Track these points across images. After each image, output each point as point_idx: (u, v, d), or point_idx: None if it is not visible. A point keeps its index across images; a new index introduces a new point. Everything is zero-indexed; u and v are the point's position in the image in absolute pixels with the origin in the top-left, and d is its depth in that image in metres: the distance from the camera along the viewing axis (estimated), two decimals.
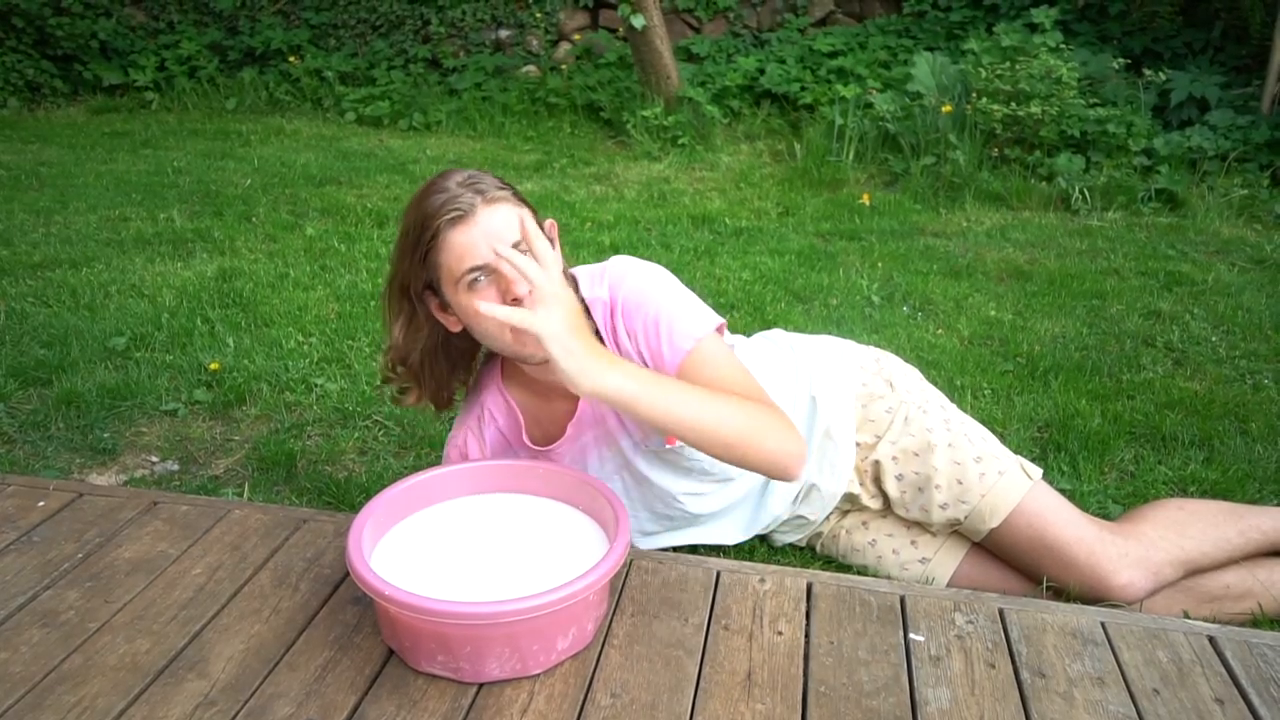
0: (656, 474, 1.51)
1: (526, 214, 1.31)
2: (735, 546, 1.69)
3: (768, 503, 1.61)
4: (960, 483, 1.56)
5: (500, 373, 1.51)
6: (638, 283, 1.39)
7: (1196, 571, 1.55)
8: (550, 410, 1.49)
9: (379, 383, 1.51)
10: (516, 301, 1.26)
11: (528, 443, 1.51)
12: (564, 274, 1.42)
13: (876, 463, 1.61)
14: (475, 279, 1.27)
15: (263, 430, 2.23)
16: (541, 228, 1.34)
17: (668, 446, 1.46)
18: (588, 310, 1.40)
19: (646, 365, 1.38)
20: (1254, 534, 1.58)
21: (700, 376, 1.33)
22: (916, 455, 1.59)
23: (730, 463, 1.31)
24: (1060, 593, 1.53)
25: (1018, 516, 1.53)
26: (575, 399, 1.45)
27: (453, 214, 1.26)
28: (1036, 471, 1.58)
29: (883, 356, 1.71)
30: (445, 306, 1.36)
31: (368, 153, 5.13)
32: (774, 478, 1.35)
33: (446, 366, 1.46)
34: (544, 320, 1.15)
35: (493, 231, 1.26)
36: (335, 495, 1.93)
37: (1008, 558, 1.59)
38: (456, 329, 1.38)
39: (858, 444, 1.62)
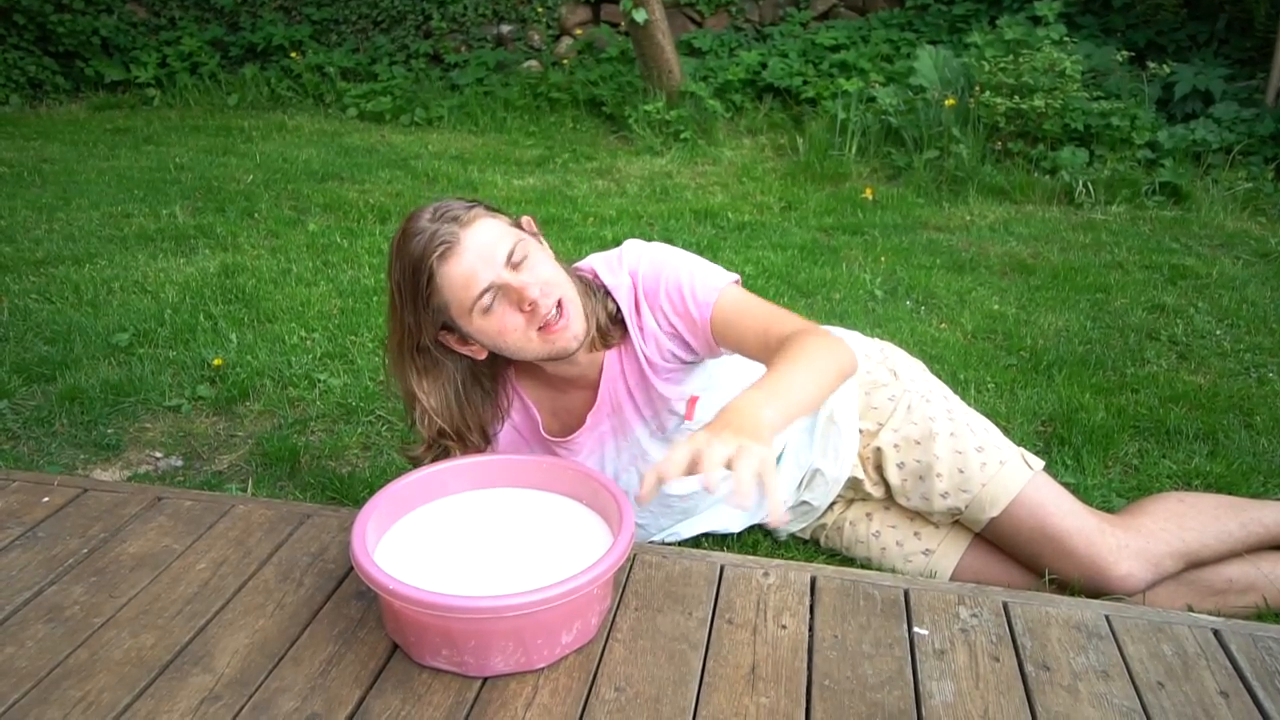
0: None
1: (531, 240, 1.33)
2: (738, 540, 1.69)
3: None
4: (961, 472, 1.56)
5: (514, 371, 1.51)
6: (652, 259, 1.41)
7: (1197, 564, 1.55)
8: (567, 401, 1.49)
9: (420, 454, 1.44)
10: (533, 306, 1.27)
11: (546, 436, 1.51)
12: (573, 268, 1.44)
13: (878, 450, 1.61)
14: (488, 303, 1.28)
15: (266, 426, 2.23)
16: (520, 225, 1.34)
17: (686, 423, 1.46)
18: (609, 294, 1.41)
19: (678, 333, 1.39)
20: (1256, 527, 1.58)
21: (733, 322, 1.34)
22: (918, 443, 1.59)
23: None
24: (1064, 586, 1.53)
25: (1018, 506, 1.54)
26: (593, 389, 1.46)
27: (440, 249, 1.25)
28: (1038, 463, 1.59)
29: (887, 347, 1.72)
30: (466, 339, 1.35)
31: (369, 148, 5.12)
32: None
33: (480, 396, 1.45)
34: (750, 459, 1.05)
35: (483, 249, 1.26)
36: (339, 490, 1.93)
37: (1008, 548, 1.59)
38: (484, 355, 1.38)
39: (860, 431, 1.62)
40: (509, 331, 1.30)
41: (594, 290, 1.40)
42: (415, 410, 1.41)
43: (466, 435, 1.44)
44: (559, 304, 1.30)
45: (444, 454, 1.45)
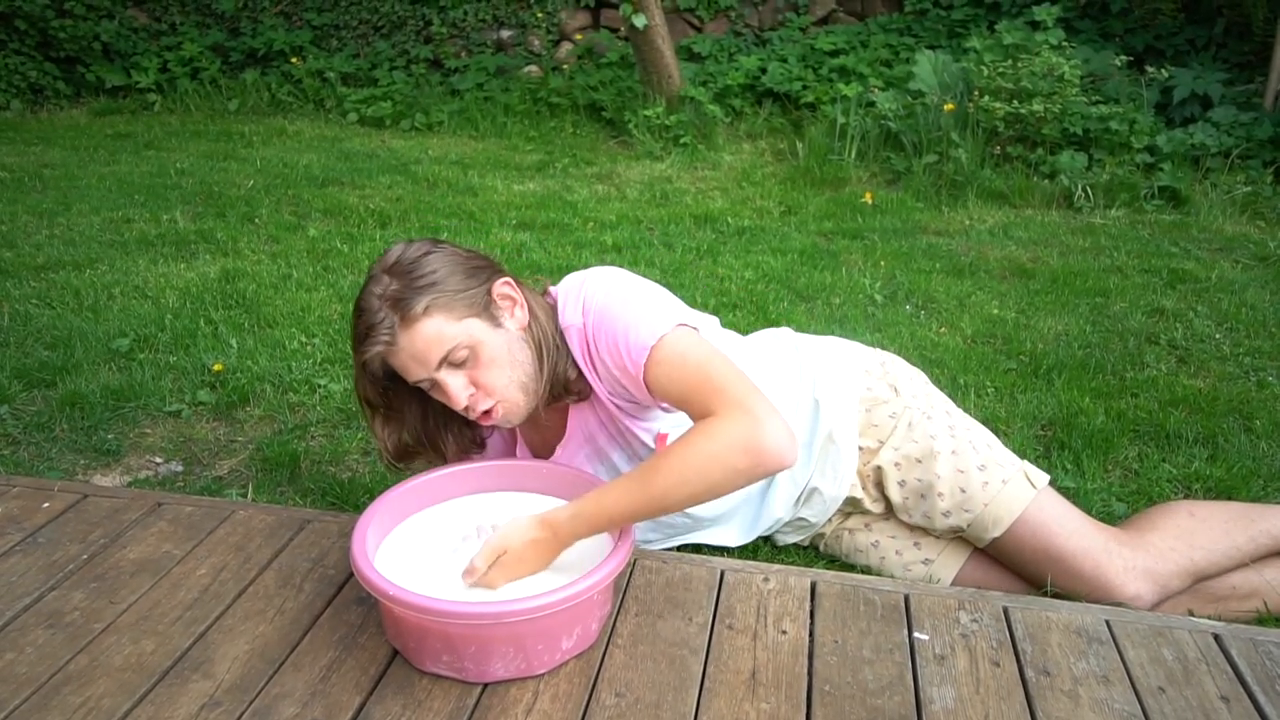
0: None
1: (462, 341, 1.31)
2: (738, 546, 1.69)
3: (769, 505, 1.61)
4: (963, 491, 1.54)
5: None
6: (601, 302, 1.35)
7: (1204, 579, 1.54)
8: (540, 431, 1.52)
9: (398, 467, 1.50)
10: (462, 411, 1.34)
11: (525, 453, 1.54)
12: (546, 293, 1.44)
13: (879, 468, 1.60)
14: (426, 386, 1.34)
15: (266, 431, 2.23)
16: (490, 288, 1.34)
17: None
18: (563, 337, 1.38)
19: (624, 388, 1.36)
20: (1264, 539, 1.56)
21: (665, 387, 1.29)
22: (919, 462, 1.57)
23: (718, 497, 1.25)
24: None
25: (1021, 526, 1.51)
26: (563, 421, 1.48)
27: (376, 350, 1.29)
28: (1042, 479, 1.56)
29: (889, 360, 1.69)
30: None
31: (370, 153, 5.13)
32: (768, 475, 1.26)
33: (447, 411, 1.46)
34: (503, 569, 1.24)
35: (418, 354, 1.29)
36: (339, 496, 1.93)
37: (1012, 566, 1.57)
38: None
39: (860, 448, 1.61)
40: (447, 403, 1.35)
41: (560, 347, 1.38)
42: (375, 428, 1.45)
43: (443, 440, 1.48)
44: (492, 405, 1.34)
45: (431, 465, 1.49)
